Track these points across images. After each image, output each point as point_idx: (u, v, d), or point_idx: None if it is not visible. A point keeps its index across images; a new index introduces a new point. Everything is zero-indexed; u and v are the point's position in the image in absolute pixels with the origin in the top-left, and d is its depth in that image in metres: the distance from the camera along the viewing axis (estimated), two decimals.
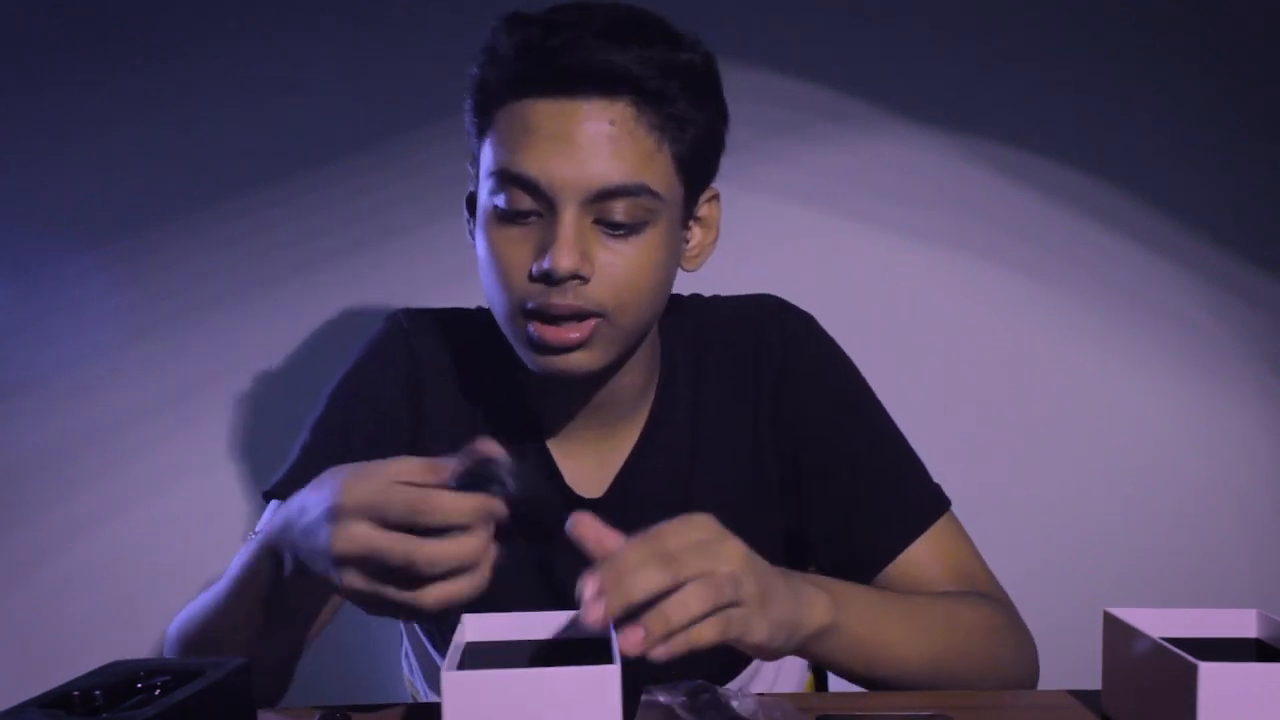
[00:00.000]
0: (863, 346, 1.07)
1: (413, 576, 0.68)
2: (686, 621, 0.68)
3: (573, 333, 0.87)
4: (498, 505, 0.69)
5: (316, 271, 1.55)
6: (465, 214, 0.99)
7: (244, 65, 1.52)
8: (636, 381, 1.00)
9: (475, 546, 0.68)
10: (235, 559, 0.86)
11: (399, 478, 0.69)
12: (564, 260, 0.85)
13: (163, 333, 1.54)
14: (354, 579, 0.69)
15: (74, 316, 1.54)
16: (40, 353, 1.54)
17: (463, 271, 1.50)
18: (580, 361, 0.89)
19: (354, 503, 0.69)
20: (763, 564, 0.74)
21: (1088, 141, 1.58)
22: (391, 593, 0.69)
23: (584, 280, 0.86)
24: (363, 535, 0.68)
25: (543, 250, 0.86)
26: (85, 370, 1.54)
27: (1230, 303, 1.60)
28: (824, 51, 1.56)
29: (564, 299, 0.86)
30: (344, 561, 0.69)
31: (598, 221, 0.87)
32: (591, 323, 0.87)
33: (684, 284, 1.09)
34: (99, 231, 1.53)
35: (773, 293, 1.08)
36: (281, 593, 0.80)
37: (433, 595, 0.68)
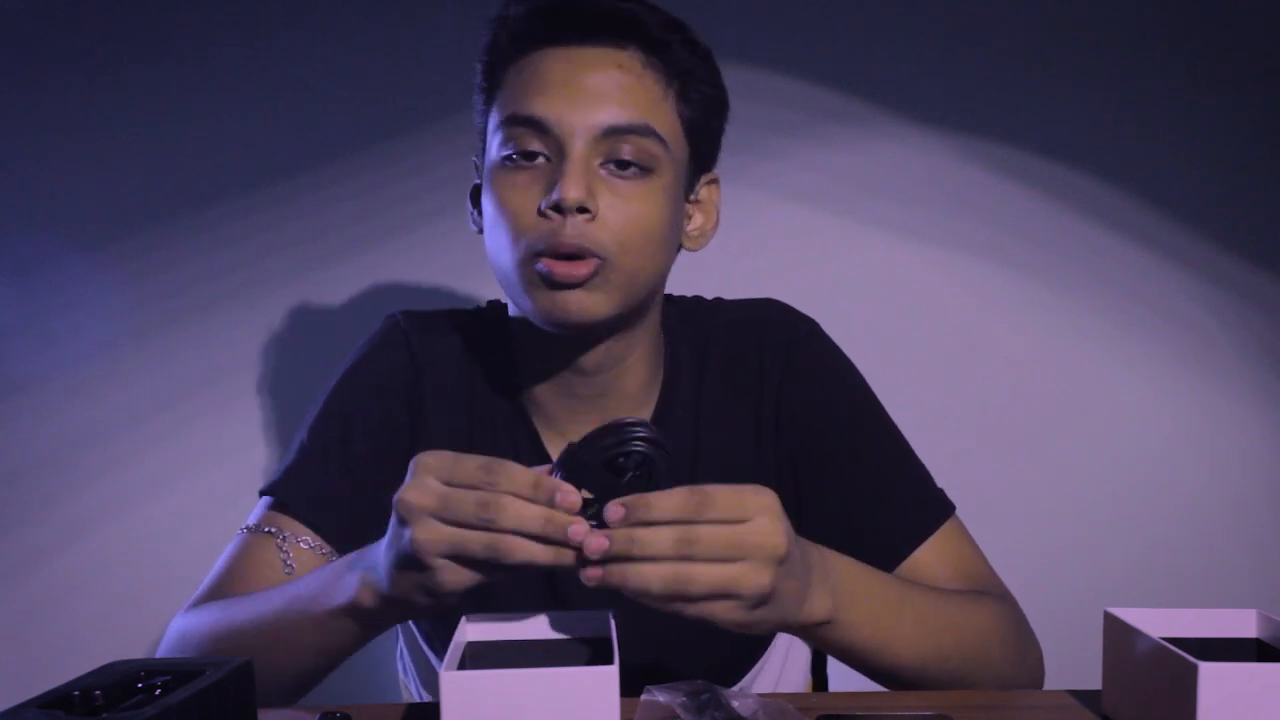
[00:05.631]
0: (863, 347, 1.07)
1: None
2: (644, 588, 0.69)
3: (579, 269, 0.88)
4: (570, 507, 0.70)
5: (317, 271, 1.55)
6: (469, 207, 1.00)
7: (244, 65, 1.52)
8: (639, 381, 1.00)
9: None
10: (309, 579, 0.84)
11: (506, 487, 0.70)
12: (571, 190, 0.86)
13: (163, 333, 1.54)
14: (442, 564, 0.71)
15: (74, 316, 1.54)
16: (40, 353, 1.54)
17: (463, 272, 1.51)
18: (583, 304, 0.89)
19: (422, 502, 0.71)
20: (791, 559, 0.72)
21: (1088, 141, 1.58)
22: (476, 548, 0.69)
23: (590, 216, 0.88)
24: (443, 531, 0.70)
25: (551, 189, 0.88)
26: (85, 370, 1.54)
27: (1230, 303, 1.60)
28: (824, 51, 1.56)
29: (570, 235, 0.87)
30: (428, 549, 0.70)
31: (605, 164, 0.89)
32: (594, 262, 0.88)
33: (687, 286, 1.09)
34: (99, 231, 1.53)
35: (773, 293, 1.08)
36: (370, 617, 0.80)
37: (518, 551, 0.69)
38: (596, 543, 0.69)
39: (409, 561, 0.72)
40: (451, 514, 0.70)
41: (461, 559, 0.70)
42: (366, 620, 0.79)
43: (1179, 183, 1.59)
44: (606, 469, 0.71)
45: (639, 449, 0.71)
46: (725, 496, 0.70)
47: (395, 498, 0.72)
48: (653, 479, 0.71)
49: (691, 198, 0.98)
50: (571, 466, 0.72)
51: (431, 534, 0.70)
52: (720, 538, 0.69)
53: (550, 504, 0.69)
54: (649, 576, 0.69)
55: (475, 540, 0.69)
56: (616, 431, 0.71)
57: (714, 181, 1.00)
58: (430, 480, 0.71)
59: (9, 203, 1.52)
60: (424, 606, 0.76)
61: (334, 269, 1.55)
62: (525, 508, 0.69)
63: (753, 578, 0.70)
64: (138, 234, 1.54)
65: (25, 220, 1.53)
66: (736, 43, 1.52)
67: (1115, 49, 1.57)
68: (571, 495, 0.70)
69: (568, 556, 0.70)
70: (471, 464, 0.71)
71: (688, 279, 1.09)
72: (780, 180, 1.56)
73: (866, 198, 1.58)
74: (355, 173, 1.54)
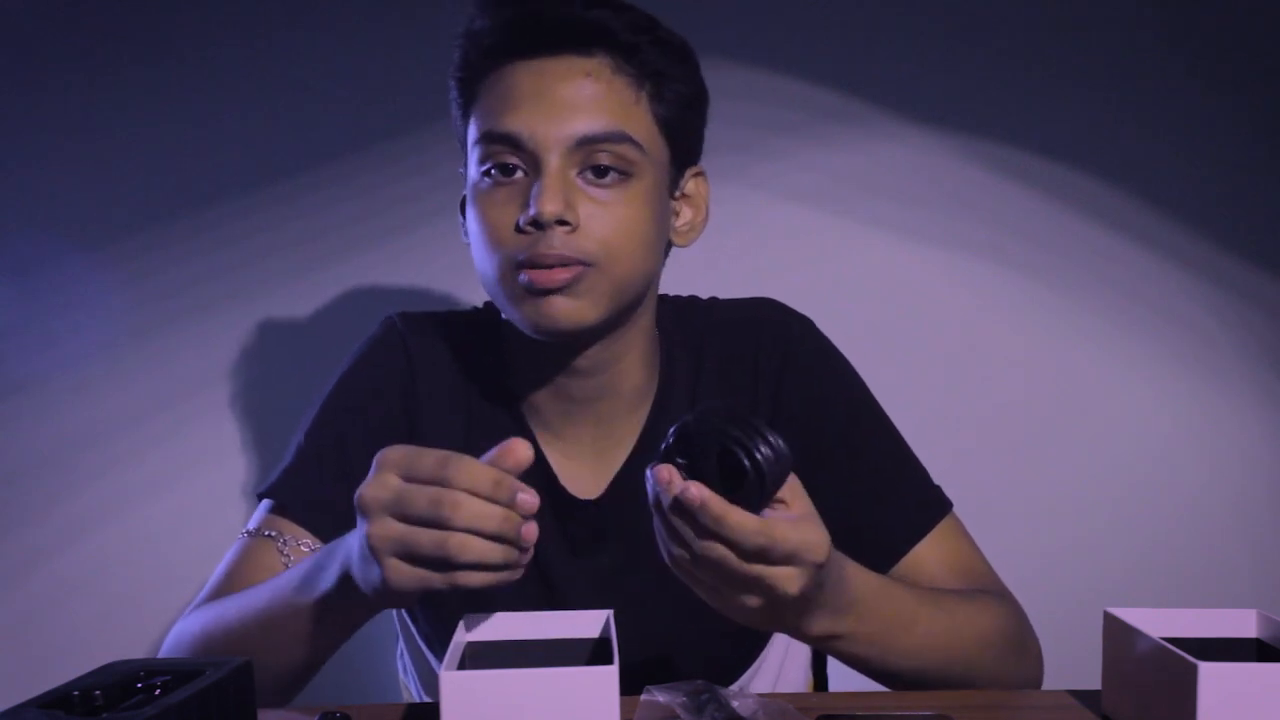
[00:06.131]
0: (863, 347, 1.07)
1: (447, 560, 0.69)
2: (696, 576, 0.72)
3: (562, 274, 0.87)
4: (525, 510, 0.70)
5: (316, 272, 1.55)
6: (460, 218, 1.00)
7: (244, 65, 1.52)
8: (634, 383, 1.00)
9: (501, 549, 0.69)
10: (291, 573, 0.84)
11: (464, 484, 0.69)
12: (548, 204, 0.86)
13: (162, 333, 1.54)
14: (397, 567, 0.70)
15: (74, 316, 1.54)
16: (40, 353, 1.54)
17: (463, 272, 1.50)
18: (571, 311, 0.89)
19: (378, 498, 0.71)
20: (797, 600, 0.73)
21: (1088, 141, 1.58)
22: (425, 546, 0.69)
23: (570, 228, 0.88)
24: (395, 528, 0.70)
25: (529, 204, 0.88)
26: (84, 370, 1.54)
27: (1230, 303, 1.60)
28: (824, 51, 1.55)
29: (552, 247, 0.87)
30: (382, 551, 0.70)
31: (582, 173, 0.89)
32: (579, 269, 0.88)
33: (686, 286, 1.09)
34: (99, 231, 1.53)
35: (772, 293, 1.08)
36: (347, 608, 0.80)
37: (474, 579, 0.70)
38: (678, 483, 0.69)
39: (365, 557, 0.72)
40: (405, 510, 0.69)
41: (412, 557, 0.69)
42: (345, 609, 0.79)
43: (1179, 183, 1.58)
44: (720, 453, 0.70)
45: (758, 461, 0.69)
46: (786, 544, 0.70)
47: (356, 493, 0.72)
48: (746, 487, 0.70)
49: (677, 194, 0.98)
50: (685, 439, 0.72)
51: (385, 530, 0.70)
52: (747, 573, 0.70)
53: (510, 505, 0.69)
54: (672, 551, 0.72)
55: (425, 538, 0.69)
56: (746, 428, 0.70)
57: (700, 174, 1.00)
58: (389, 476, 0.71)
59: (9, 203, 1.52)
60: (379, 606, 0.76)
61: (334, 269, 1.55)
62: (483, 506, 0.68)
63: (748, 602, 0.73)
64: (138, 234, 1.54)
65: (25, 220, 1.53)
66: (737, 42, 1.51)
67: (1115, 49, 1.57)
68: (531, 500, 0.69)
69: (513, 556, 0.70)
70: (430, 459, 0.70)
71: (687, 279, 1.09)
72: (780, 180, 1.56)
73: (866, 198, 1.57)
74: (355, 173, 1.54)
